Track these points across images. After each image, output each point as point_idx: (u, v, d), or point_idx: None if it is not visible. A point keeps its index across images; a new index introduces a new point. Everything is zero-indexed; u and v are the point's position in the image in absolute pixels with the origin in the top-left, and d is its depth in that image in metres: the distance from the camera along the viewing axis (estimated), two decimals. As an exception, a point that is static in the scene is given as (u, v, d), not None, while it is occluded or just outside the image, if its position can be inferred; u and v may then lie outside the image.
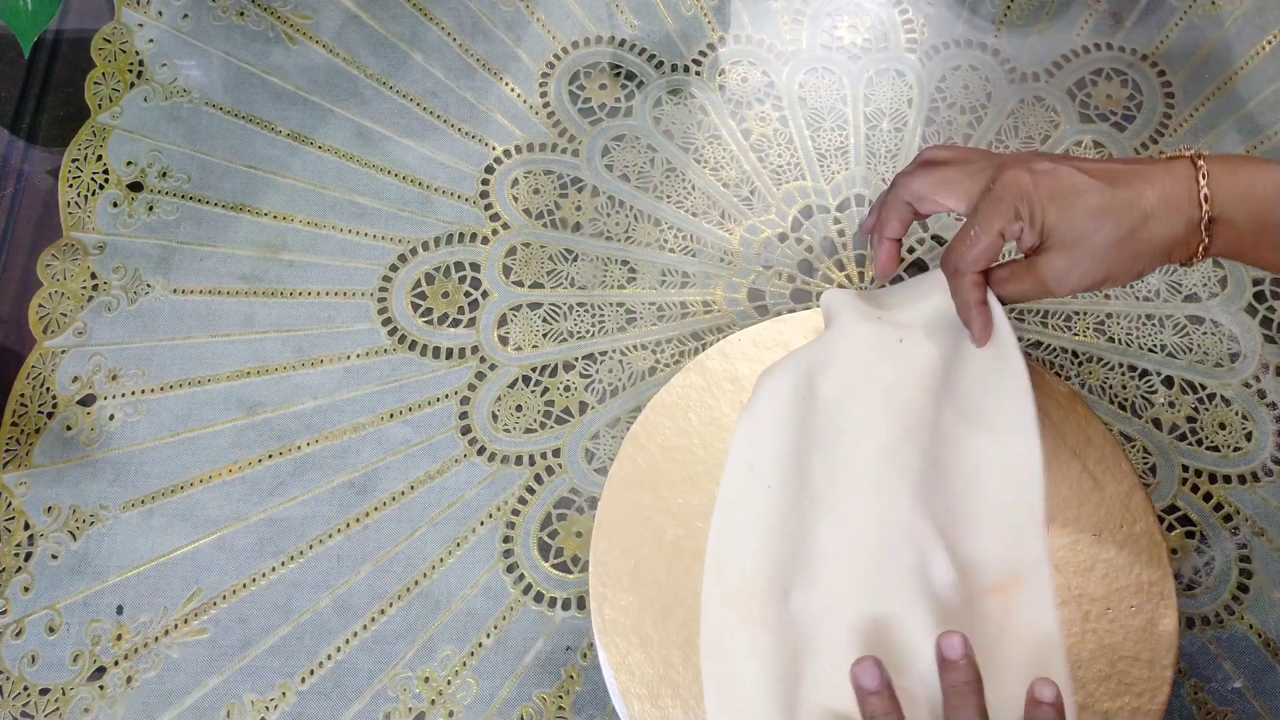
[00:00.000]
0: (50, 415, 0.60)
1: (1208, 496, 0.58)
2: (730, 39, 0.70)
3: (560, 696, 0.54)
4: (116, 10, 0.71)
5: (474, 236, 0.64)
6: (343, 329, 0.62)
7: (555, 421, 0.60)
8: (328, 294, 0.63)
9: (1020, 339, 0.61)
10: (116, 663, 0.55)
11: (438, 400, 0.60)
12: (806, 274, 0.63)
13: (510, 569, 0.56)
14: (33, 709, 0.54)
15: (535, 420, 0.60)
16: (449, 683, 0.54)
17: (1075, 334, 0.62)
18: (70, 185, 0.65)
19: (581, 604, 0.56)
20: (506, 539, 0.57)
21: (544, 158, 0.67)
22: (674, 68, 0.69)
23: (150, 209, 0.65)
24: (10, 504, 0.58)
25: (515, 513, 0.58)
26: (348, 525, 0.58)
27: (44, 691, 0.54)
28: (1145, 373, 0.61)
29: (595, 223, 0.65)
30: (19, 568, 0.57)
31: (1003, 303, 0.46)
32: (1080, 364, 0.61)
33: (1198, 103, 0.68)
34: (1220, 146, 0.66)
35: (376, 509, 0.58)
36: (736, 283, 0.63)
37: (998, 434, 0.46)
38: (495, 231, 0.65)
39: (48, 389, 0.60)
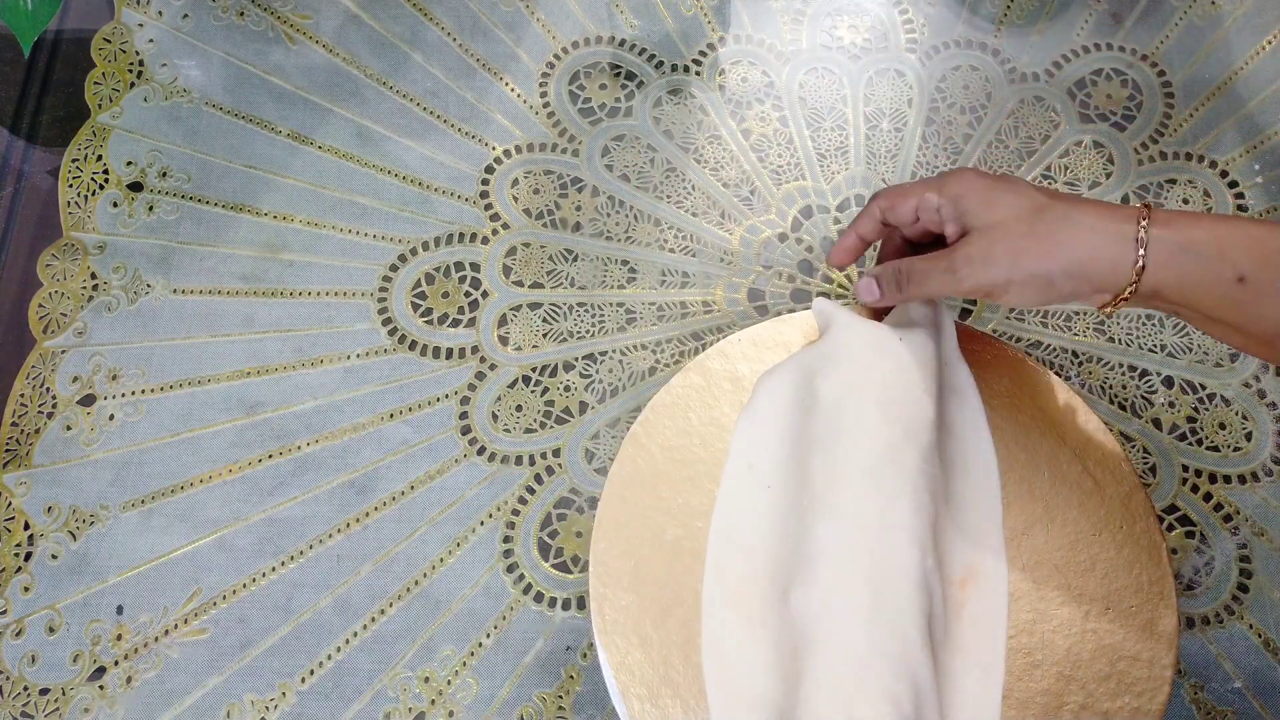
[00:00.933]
0: (50, 415, 0.60)
1: (1208, 496, 0.58)
2: (730, 39, 0.70)
3: (560, 696, 0.54)
4: (116, 10, 0.71)
5: (474, 236, 0.64)
6: (343, 329, 0.62)
7: (555, 421, 0.60)
8: (328, 294, 0.63)
9: (1020, 339, 0.61)
10: (116, 663, 0.55)
11: (438, 400, 0.60)
12: (806, 274, 0.63)
13: (510, 569, 0.56)
14: (33, 709, 0.54)
15: (535, 420, 0.60)
16: (449, 683, 0.54)
17: (1075, 334, 0.62)
18: (70, 185, 0.65)
19: (581, 604, 0.56)
20: (506, 539, 0.57)
21: (544, 158, 0.67)
22: (674, 68, 0.69)
23: (150, 209, 0.65)
24: (10, 504, 0.58)
25: (515, 513, 0.58)
26: (348, 525, 0.58)
27: (44, 691, 0.54)
28: (1145, 373, 0.61)
29: (595, 223, 0.65)
30: (19, 568, 0.57)
31: (921, 297, 0.47)
32: (1080, 364, 0.61)
33: (1198, 103, 0.68)
34: (1220, 146, 0.67)
35: (376, 509, 0.58)
36: (736, 283, 0.63)
37: (958, 435, 0.48)
38: (495, 231, 0.65)
39: (48, 389, 0.60)
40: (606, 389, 0.60)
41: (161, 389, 0.61)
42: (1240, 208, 0.65)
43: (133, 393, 0.60)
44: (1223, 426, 0.59)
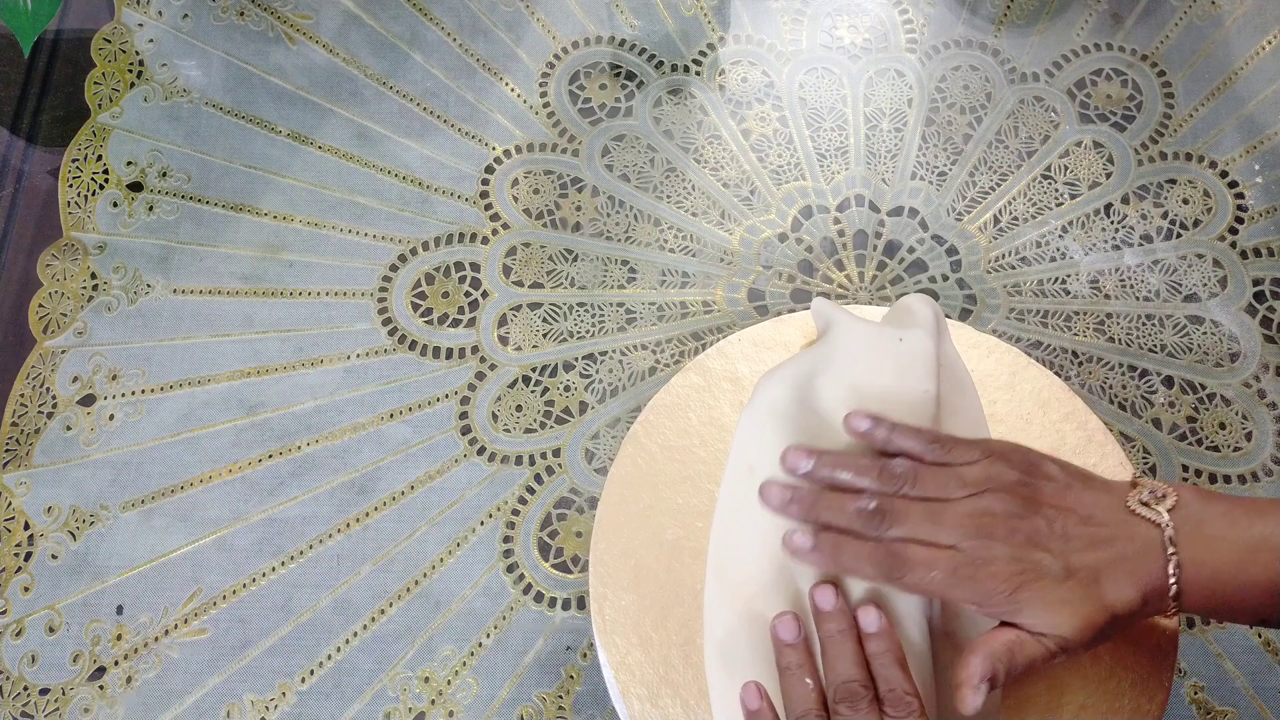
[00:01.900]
0: (50, 415, 0.60)
1: (1208, 496, 0.58)
2: (730, 39, 0.70)
3: (560, 696, 0.54)
4: (116, 10, 0.71)
5: (474, 236, 0.64)
6: (343, 329, 0.62)
7: (555, 421, 0.60)
8: (328, 294, 0.63)
9: (1020, 339, 0.61)
10: (116, 663, 0.55)
11: (438, 400, 0.60)
12: (806, 274, 0.63)
13: (510, 569, 0.56)
14: (33, 709, 0.54)
15: (535, 420, 0.60)
16: (449, 682, 0.54)
17: (1075, 334, 0.62)
18: (70, 185, 0.65)
19: (581, 604, 0.56)
20: (506, 539, 0.57)
21: (544, 158, 0.67)
22: (674, 68, 0.69)
23: (150, 209, 0.65)
24: (10, 504, 0.58)
25: (515, 513, 0.58)
26: (348, 525, 0.58)
27: (44, 691, 0.54)
28: (1145, 373, 0.61)
29: (595, 223, 0.65)
30: (19, 568, 0.57)
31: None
32: (1080, 364, 0.61)
33: (1198, 103, 0.68)
34: (1220, 146, 0.67)
35: (376, 509, 0.58)
36: (736, 283, 0.63)
37: (958, 435, 0.48)
38: (495, 231, 0.65)
39: (48, 389, 0.60)
40: (606, 389, 0.60)
41: (161, 389, 0.61)
42: (1240, 208, 0.65)
43: (133, 393, 0.60)
44: (1223, 426, 0.59)
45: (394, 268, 0.63)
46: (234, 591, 0.56)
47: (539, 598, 0.56)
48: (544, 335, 0.62)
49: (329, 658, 0.55)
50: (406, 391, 0.60)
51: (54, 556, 0.57)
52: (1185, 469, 0.58)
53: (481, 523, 0.57)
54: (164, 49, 0.69)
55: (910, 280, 0.63)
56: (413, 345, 0.62)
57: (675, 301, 0.62)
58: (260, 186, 0.66)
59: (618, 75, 0.69)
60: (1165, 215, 0.65)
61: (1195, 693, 0.53)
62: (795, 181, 0.66)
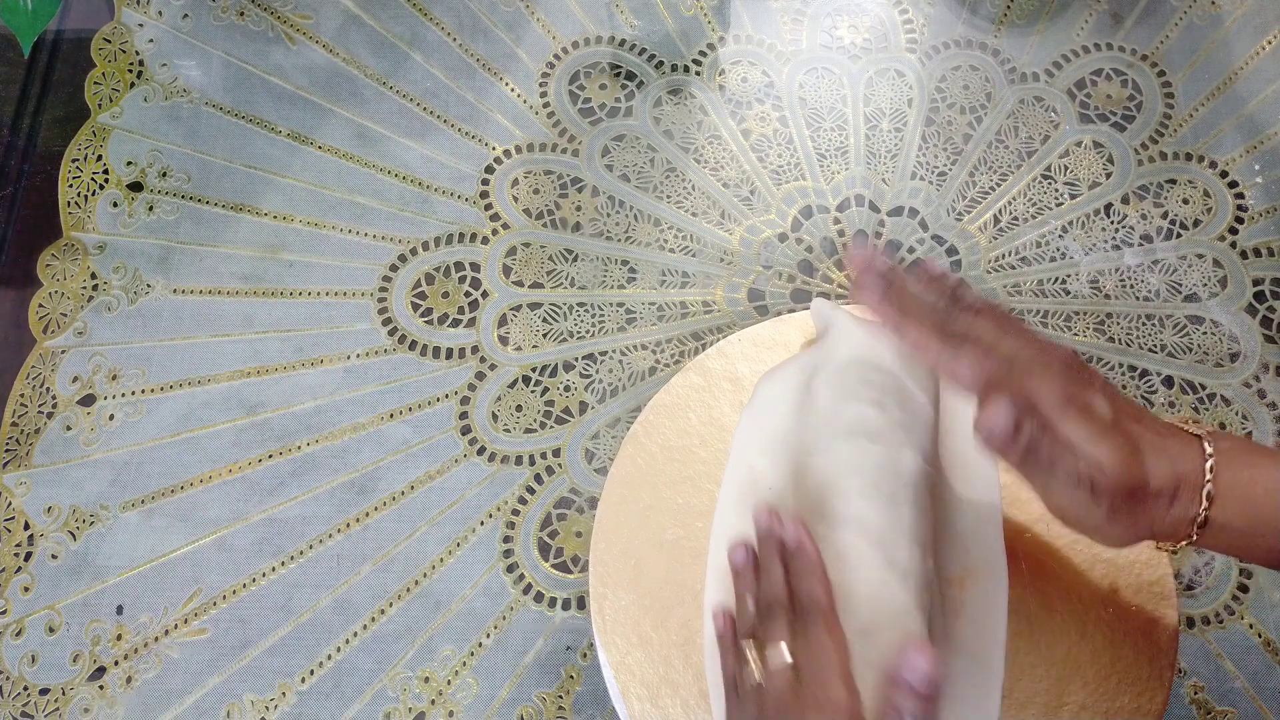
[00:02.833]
0: (50, 415, 0.60)
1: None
2: (730, 39, 0.70)
3: (560, 696, 0.54)
4: (116, 10, 0.71)
5: (474, 236, 0.64)
6: (343, 329, 0.62)
7: (555, 421, 0.60)
8: (328, 294, 0.63)
9: (1020, 339, 0.61)
10: (116, 663, 0.55)
11: (438, 400, 0.60)
12: (806, 274, 0.63)
13: (510, 569, 0.56)
14: (33, 709, 0.54)
15: (535, 420, 0.60)
16: (449, 683, 0.54)
17: (1075, 334, 0.62)
18: (70, 185, 0.65)
19: (581, 604, 0.56)
20: (506, 539, 0.57)
21: (544, 158, 0.67)
22: (674, 68, 0.69)
23: (150, 209, 0.65)
24: (10, 504, 0.58)
25: (515, 513, 0.58)
26: (348, 525, 0.58)
27: (44, 691, 0.54)
28: (1145, 373, 0.61)
29: (595, 223, 0.65)
30: (19, 568, 0.57)
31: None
32: (1080, 364, 0.61)
33: (1198, 103, 0.68)
34: (1220, 146, 0.67)
35: (376, 509, 0.58)
36: (736, 283, 0.63)
37: (956, 435, 0.48)
38: (495, 231, 0.65)
39: (48, 389, 0.60)
40: (606, 389, 0.60)
41: (161, 389, 0.61)
42: (1240, 208, 0.65)
43: (133, 393, 0.60)
44: (1223, 427, 0.60)
45: (394, 268, 0.63)
46: (234, 591, 0.56)
47: (539, 598, 0.56)
48: (544, 335, 0.62)
49: (329, 658, 0.55)
50: (406, 391, 0.60)
51: (54, 556, 0.57)
52: (1185, 469, 0.58)
53: (481, 523, 0.57)
54: (164, 49, 0.69)
55: (910, 280, 0.63)
56: (413, 345, 0.62)
57: (675, 301, 0.62)
58: (260, 186, 0.66)
59: (618, 75, 0.69)
60: (1165, 215, 0.65)
61: (1195, 693, 0.53)
62: (795, 181, 0.66)
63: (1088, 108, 0.68)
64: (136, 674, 0.54)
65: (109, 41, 0.70)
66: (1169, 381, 0.60)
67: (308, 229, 0.64)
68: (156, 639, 0.55)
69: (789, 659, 0.38)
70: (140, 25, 0.70)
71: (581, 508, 0.58)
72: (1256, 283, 0.63)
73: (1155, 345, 0.61)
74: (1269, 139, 0.67)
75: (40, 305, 0.62)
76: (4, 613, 0.56)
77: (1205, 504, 0.36)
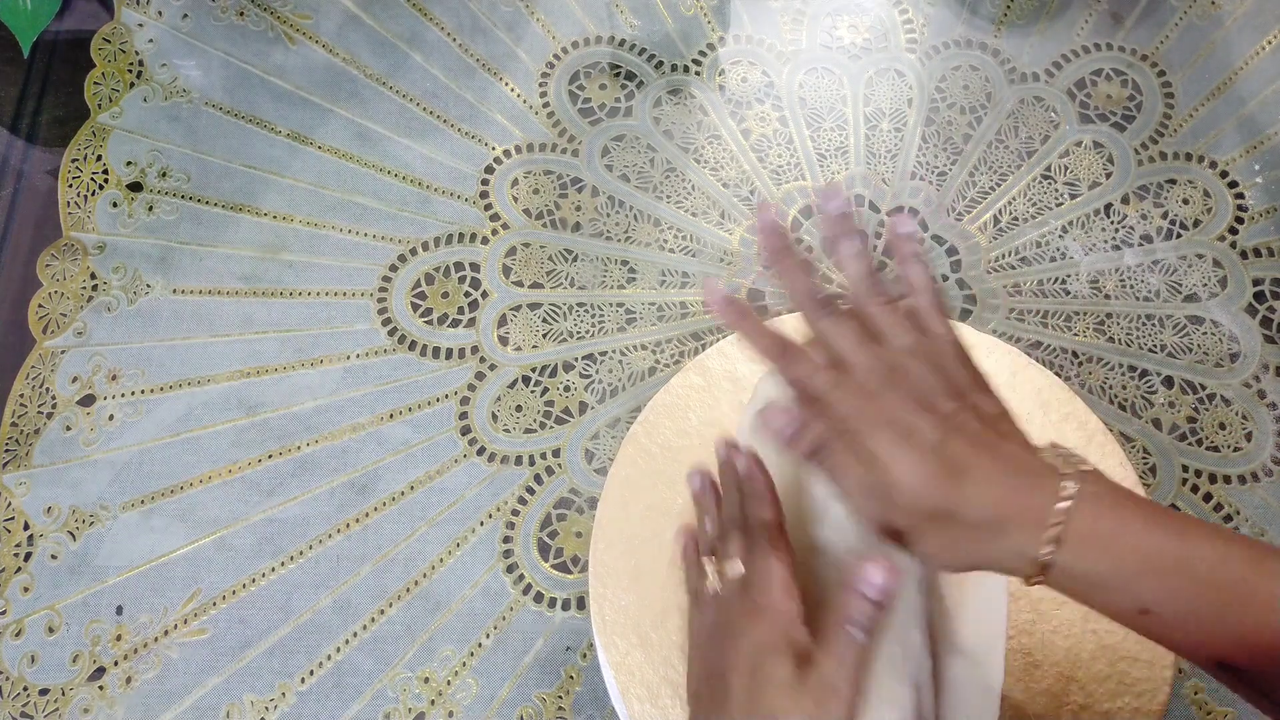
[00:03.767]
0: (50, 415, 0.60)
1: (1208, 496, 0.58)
2: (730, 39, 0.70)
3: (560, 696, 0.54)
4: (116, 10, 0.71)
5: (474, 236, 0.64)
6: (343, 329, 0.62)
7: (555, 421, 0.60)
8: (328, 294, 0.63)
9: (1020, 339, 0.61)
10: (116, 663, 0.55)
11: (438, 400, 0.60)
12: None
13: (510, 569, 0.56)
14: (32, 709, 0.54)
15: (535, 420, 0.60)
16: (449, 683, 0.54)
17: (1075, 334, 0.62)
18: (70, 185, 0.65)
19: (581, 604, 0.56)
20: (506, 539, 0.57)
21: (544, 158, 0.67)
22: (674, 68, 0.69)
23: (150, 209, 0.65)
24: (10, 504, 0.58)
25: (515, 513, 0.58)
26: (348, 525, 0.58)
27: (44, 691, 0.54)
28: (1145, 373, 0.61)
29: (595, 223, 0.65)
30: (19, 568, 0.57)
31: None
32: (1080, 364, 0.61)
33: (1198, 103, 0.68)
34: (1220, 146, 0.67)
35: (376, 509, 0.58)
36: (736, 283, 0.63)
37: None
38: (495, 231, 0.65)
39: (47, 389, 0.60)
40: (606, 389, 0.60)
41: (161, 389, 0.61)
42: (1240, 208, 0.65)
43: (132, 393, 0.60)
44: (1223, 426, 0.59)
45: (394, 268, 0.63)
46: (234, 591, 0.56)
47: (539, 598, 0.56)
48: (544, 335, 0.62)
49: (329, 658, 0.55)
50: (406, 391, 0.60)
51: (54, 557, 0.57)
52: (1185, 469, 0.58)
53: (481, 523, 0.57)
54: (164, 49, 0.69)
55: (910, 280, 0.63)
56: (413, 345, 0.62)
57: (675, 301, 0.62)
58: (260, 186, 0.66)
59: (618, 75, 0.69)
60: (1165, 215, 0.65)
61: (1195, 693, 0.53)
62: (795, 181, 0.66)
63: (1088, 108, 0.68)
64: (136, 674, 0.54)
65: (109, 41, 0.70)
66: (1169, 382, 0.60)
67: (308, 229, 0.64)
68: (156, 639, 0.55)
69: (741, 570, 0.42)
70: (140, 25, 0.70)
71: (581, 508, 0.58)
72: (1256, 283, 0.63)
73: (1155, 345, 0.61)
74: (1269, 139, 0.67)
75: (40, 305, 0.62)
76: (4, 613, 0.56)
77: (1050, 547, 0.34)
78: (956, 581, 0.47)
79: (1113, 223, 0.65)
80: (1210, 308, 0.62)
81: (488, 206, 0.65)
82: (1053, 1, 0.71)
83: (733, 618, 0.40)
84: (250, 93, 0.68)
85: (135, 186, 0.66)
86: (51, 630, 0.55)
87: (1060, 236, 0.64)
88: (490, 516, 0.58)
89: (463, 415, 0.60)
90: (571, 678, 0.54)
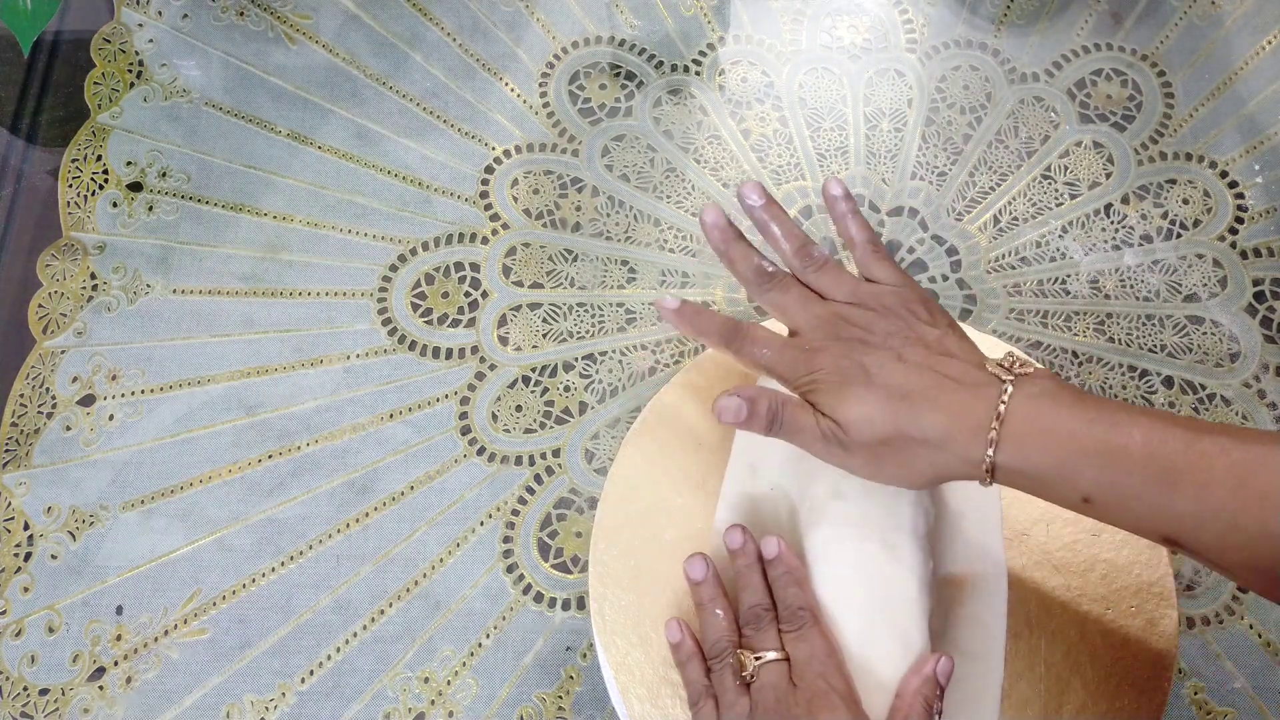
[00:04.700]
0: (50, 415, 0.60)
1: (1208, 496, 0.58)
2: (730, 39, 0.70)
3: (560, 696, 0.54)
4: (116, 10, 0.71)
5: (474, 236, 0.64)
6: (343, 329, 0.62)
7: (555, 421, 0.60)
8: (328, 294, 0.63)
9: (1020, 339, 0.61)
10: (116, 663, 0.55)
11: (438, 400, 0.60)
12: (806, 274, 0.63)
13: (510, 569, 0.56)
14: (32, 709, 0.54)
15: (535, 420, 0.60)
16: (449, 683, 0.54)
17: (1075, 334, 0.62)
18: (70, 185, 0.65)
19: (581, 604, 0.56)
20: (506, 539, 0.57)
21: (544, 158, 0.67)
22: (674, 68, 0.69)
23: (150, 209, 0.65)
24: (10, 504, 0.58)
25: (515, 513, 0.58)
26: (348, 525, 0.58)
27: (44, 692, 0.54)
28: (1145, 373, 0.61)
29: (595, 223, 0.65)
30: (19, 568, 0.57)
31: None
32: (1080, 364, 0.61)
33: (1198, 103, 0.68)
34: (1220, 146, 0.67)
35: (376, 509, 0.58)
36: (736, 283, 0.63)
37: None
38: (495, 231, 0.65)
39: (47, 389, 0.60)
40: (606, 389, 0.60)
41: (161, 389, 0.61)
42: (1240, 208, 0.65)
43: (132, 393, 0.60)
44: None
45: (394, 268, 0.63)
46: (234, 592, 0.56)
47: (539, 598, 0.56)
48: (544, 335, 0.62)
49: (329, 658, 0.55)
50: (406, 391, 0.60)
51: (54, 557, 0.57)
52: (1185, 469, 0.58)
53: (481, 523, 0.57)
54: (164, 49, 0.69)
55: (910, 280, 0.63)
56: (413, 345, 0.62)
57: (675, 301, 0.62)
58: (260, 186, 0.66)
59: (618, 75, 0.69)
60: (1165, 215, 0.65)
61: (1195, 693, 0.53)
62: (795, 181, 0.66)
63: (1088, 108, 0.68)
64: (136, 674, 0.54)
65: (109, 41, 0.70)
66: (1169, 382, 0.60)
67: (308, 229, 0.64)
68: (156, 639, 0.55)
69: (780, 657, 0.40)
70: (140, 25, 0.70)
71: (581, 508, 0.58)
72: (1256, 283, 0.63)
73: (1155, 345, 0.61)
74: (1269, 139, 0.67)
75: (40, 305, 0.62)
76: (4, 613, 0.56)
77: (990, 449, 0.36)
78: (957, 582, 0.47)
79: (1113, 223, 0.65)
80: (1210, 308, 0.62)
81: (488, 206, 0.65)
82: (1053, 1, 0.71)
83: (786, 711, 0.38)
84: (250, 93, 0.68)
85: (135, 186, 0.66)
86: (51, 630, 0.55)
87: (1060, 236, 0.64)
88: (490, 517, 0.58)
89: (463, 415, 0.60)
90: (571, 678, 0.54)
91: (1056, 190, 0.65)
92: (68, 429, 0.60)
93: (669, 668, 0.48)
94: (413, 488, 0.58)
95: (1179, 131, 0.67)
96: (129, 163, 0.66)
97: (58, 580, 0.56)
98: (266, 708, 0.54)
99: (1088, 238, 0.64)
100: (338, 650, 0.55)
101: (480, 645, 0.55)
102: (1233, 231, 0.64)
